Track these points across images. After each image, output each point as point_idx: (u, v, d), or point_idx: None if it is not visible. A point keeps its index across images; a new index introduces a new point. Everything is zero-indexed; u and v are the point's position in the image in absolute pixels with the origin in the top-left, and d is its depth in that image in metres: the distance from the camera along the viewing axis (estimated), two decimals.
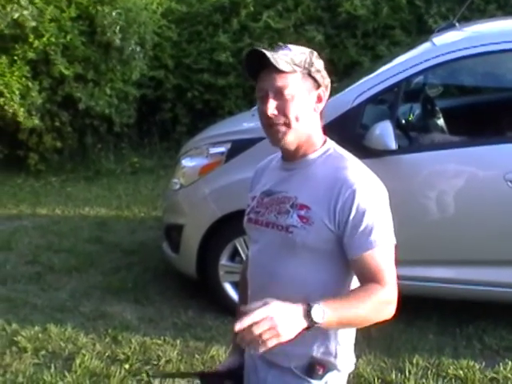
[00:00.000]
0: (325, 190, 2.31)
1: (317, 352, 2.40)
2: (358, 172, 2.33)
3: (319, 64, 2.40)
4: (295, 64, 2.31)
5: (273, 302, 2.01)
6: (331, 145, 2.45)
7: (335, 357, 2.42)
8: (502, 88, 7.26)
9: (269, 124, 2.35)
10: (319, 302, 2.06)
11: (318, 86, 2.39)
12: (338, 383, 2.49)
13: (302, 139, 2.38)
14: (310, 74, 2.36)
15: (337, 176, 2.31)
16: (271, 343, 1.97)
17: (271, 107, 2.32)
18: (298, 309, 2.03)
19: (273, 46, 2.41)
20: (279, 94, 2.32)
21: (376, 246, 2.24)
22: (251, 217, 2.51)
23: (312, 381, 2.40)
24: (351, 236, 2.26)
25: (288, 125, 2.33)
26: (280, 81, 2.31)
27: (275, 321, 1.97)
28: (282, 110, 2.32)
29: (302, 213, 2.32)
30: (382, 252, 2.25)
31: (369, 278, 2.24)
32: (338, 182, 2.29)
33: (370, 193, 2.29)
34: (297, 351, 2.38)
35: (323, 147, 2.43)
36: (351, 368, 2.52)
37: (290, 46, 2.38)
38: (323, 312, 2.04)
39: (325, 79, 2.41)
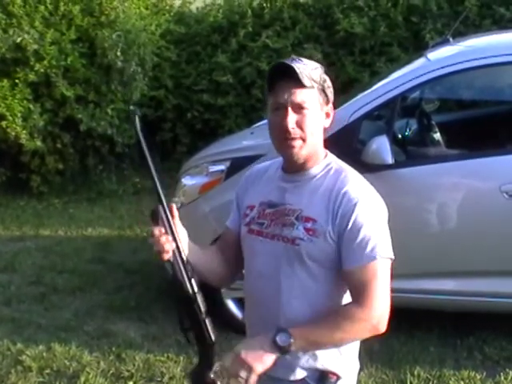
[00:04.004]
0: (328, 202, 2.36)
1: (326, 362, 2.45)
2: (359, 186, 2.38)
3: (329, 80, 2.46)
4: (313, 79, 2.36)
5: (239, 346, 2.29)
6: (332, 158, 2.50)
7: (343, 363, 2.48)
8: (497, 101, 7.31)
9: (284, 137, 2.37)
10: (288, 333, 2.24)
11: (328, 101, 2.45)
12: None
13: (312, 153, 2.43)
14: (323, 90, 2.41)
15: (339, 189, 2.36)
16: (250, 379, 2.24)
17: (291, 121, 2.35)
18: (266, 342, 2.27)
19: (290, 58, 2.42)
20: (298, 108, 2.35)
21: (368, 261, 2.29)
22: (253, 228, 2.54)
23: None
24: (347, 248, 2.31)
25: (304, 139, 2.37)
26: (300, 95, 2.34)
27: (247, 362, 2.24)
28: (300, 124, 2.36)
29: (309, 225, 2.36)
30: (373, 267, 2.30)
31: (355, 291, 2.34)
32: (339, 194, 2.34)
33: (369, 208, 2.34)
34: (306, 364, 2.45)
35: (325, 160, 2.47)
36: (357, 370, 2.60)
37: (302, 59, 2.41)
38: (289, 344, 2.24)
39: (332, 94, 2.47)
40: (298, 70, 2.31)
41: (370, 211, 2.34)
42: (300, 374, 2.46)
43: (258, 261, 2.52)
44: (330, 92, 2.46)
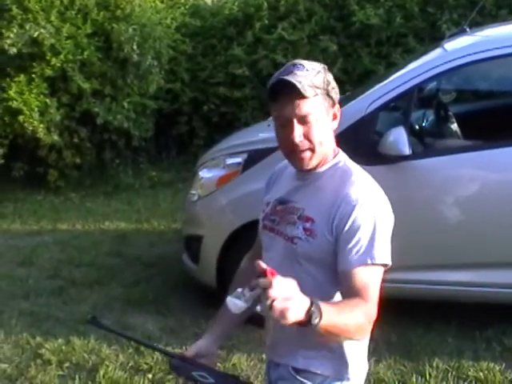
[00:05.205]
0: (328, 203, 2.33)
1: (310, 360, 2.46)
2: (361, 188, 2.33)
3: (332, 79, 2.38)
4: (316, 87, 2.29)
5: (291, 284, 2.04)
6: (342, 157, 2.46)
7: (347, 366, 2.45)
8: None
9: (293, 150, 2.35)
10: (320, 314, 2.05)
11: (334, 103, 2.38)
12: None
13: (322, 159, 2.40)
14: (328, 94, 2.34)
15: (340, 191, 2.32)
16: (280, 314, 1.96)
17: (298, 134, 2.31)
18: (305, 302, 2.03)
19: (291, 66, 2.35)
20: (303, 120, 2.30)
21: (364, 264, 2.23)
22: (266, 224, 2.54)
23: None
24: (342, 249, 2.27)
25: (313, 150, 2.34)
26: (304, 108, 2.29)
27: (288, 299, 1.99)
28: (307, 135, 2.32)
29: (307, 225, 2.35)
30: (369, 271, 2.25)
31: (353, 293, 2.24)
32: (340, 197, 2.31)
33: (369, 210, 2.28)
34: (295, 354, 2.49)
35: (334, 159, 2.44)
36: (363, 376, 2.53)
37: (304, 63, 2.33)
38: (316, 323, 2.04)
39: (337, 94, 2.40)
40: (299, 85, 2.25)
41: (369, 215, 2.27)
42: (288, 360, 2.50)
43: (267, 256, 2.53)
44: (335, 93, 2.38)
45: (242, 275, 2.78)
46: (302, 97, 2.27)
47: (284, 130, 2.35)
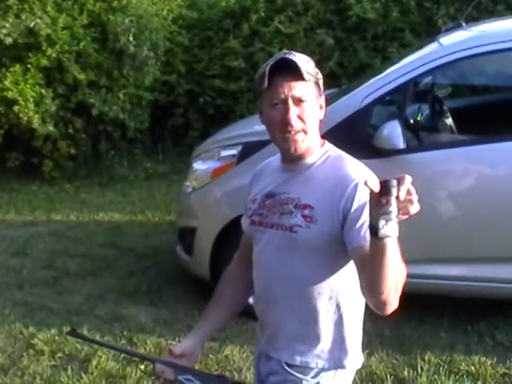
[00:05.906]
0: (329, 189, 2.34)
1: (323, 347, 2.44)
2: (357, 169, 2.37)
3: (319, 72, 2.45)
4: (309, 73, 2.35)
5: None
6: (329, 147, 2.50)
7: (345, 354, 2.46)
8: (509, 86, 7.26)
9: (286, 131, 2.36)
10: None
11: (321, 94, 2.44)
12: (345, 380, 2.51)
13: (311, 144, 2.42)
14: (317, 82, 2.41)
15: (339, 175, 2.35)
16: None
17: (293, 114, 2.34)
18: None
19: (282, 53, 2.43)
20: (298, 102, 2.34)
21: None
22: (254, 219, 2.55)
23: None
24: (352, 227, 2.25)
25: (306, 132, 2.37)
26: (300, 89, 2.34)
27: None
28: (301, 117, 2.35)
29: (306, 212, 2.35)
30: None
31: None
32: (340, 180, 2.33)
33: None
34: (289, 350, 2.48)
35: (322, 149, 2.47)
36: (358, 366, 2.53)
37: (293, 53, 2.41)
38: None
39: (322, 86, 2.46)
40: (299, 64, 2.32)
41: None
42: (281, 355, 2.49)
43: (260, 250, 2.53)
44: (322, 84, 2.45)
45: (230, 276, 2.80)
46: (300, 78, 2.33)
47: (277, 110, 2.36)
